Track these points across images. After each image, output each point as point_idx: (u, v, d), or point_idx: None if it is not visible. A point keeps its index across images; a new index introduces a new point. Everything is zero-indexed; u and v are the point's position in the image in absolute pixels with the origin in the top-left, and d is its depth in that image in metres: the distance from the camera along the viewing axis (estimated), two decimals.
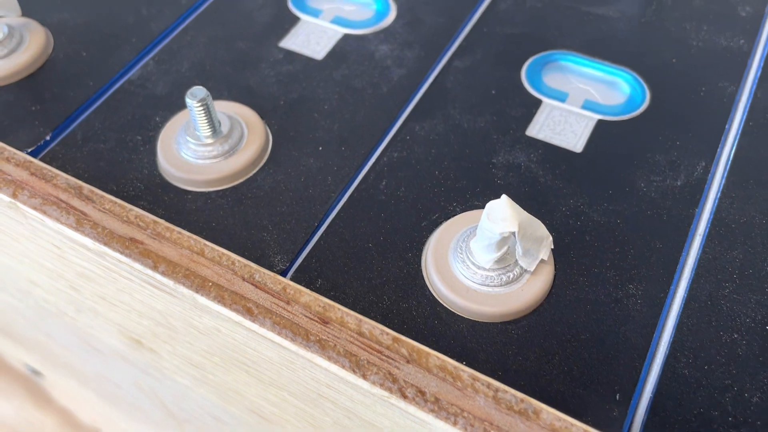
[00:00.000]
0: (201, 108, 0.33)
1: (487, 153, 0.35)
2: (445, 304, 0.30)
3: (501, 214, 0.27)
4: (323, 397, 0.29)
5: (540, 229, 0.29)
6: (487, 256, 0.29)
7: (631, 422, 0.27)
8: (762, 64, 0.39)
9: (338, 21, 0.42)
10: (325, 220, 0.33)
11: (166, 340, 0.35)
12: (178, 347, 0.35)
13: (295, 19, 0.42)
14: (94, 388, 0.55)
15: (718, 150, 0.35)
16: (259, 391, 0.34)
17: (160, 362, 0.39)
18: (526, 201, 0.33)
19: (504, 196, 0.27)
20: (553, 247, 0.30)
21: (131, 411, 0.54)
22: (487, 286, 0.29)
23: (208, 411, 0.42)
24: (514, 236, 0.28)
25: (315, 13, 0.42)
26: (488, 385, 0.25)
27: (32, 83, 0.39)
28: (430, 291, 0.30)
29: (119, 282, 0.32)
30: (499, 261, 0.29)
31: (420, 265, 0.31)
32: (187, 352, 0.35)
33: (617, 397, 0.27)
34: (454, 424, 0.24)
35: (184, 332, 0.33)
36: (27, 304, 0.45)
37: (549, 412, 0.24)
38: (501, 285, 0.29)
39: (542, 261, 0.30)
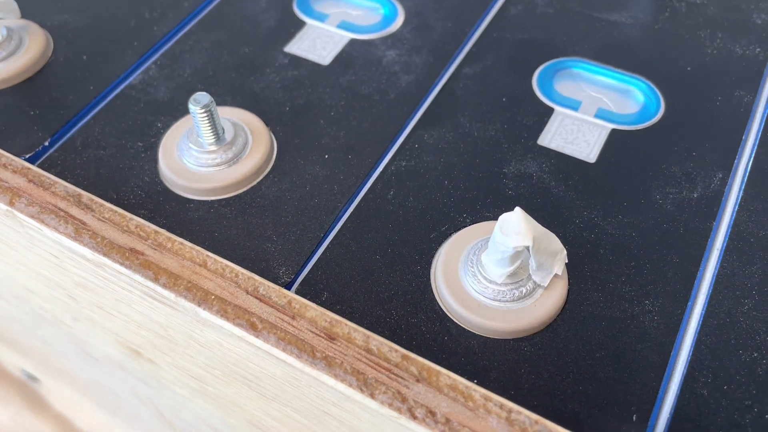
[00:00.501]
0: (204, 114, 0.32)
1: (498, 162, 0.34)
2: (455, 320, 0.29)
3: (515, 228, 0.26)
4: (328, 415, 0.28)
5: (554, 242, 0.28)
6: (500, 271, 0.28)
7: None
8: None
9: (345, 26, 0.41)
10: (331, 231, 0.32)
11: (165, 351, 0.34)
12: (178, 359, 0.34)
13: (300, 24, 0.41)
14: (91, 395, 0.54)
15: (735, 161, 0.34)
16: (261, 405, 0.33)
17: (159, 372, 0.38)
18: (538, 212, 0.32)
19: (518, 209, 0.26)
20: (567, 261, 0.29)
21: (128, 419, 0.54)
22: (499, 301, 0.28)
23: (207, 421, 0.41)
24: (528, 250, 0.27)
25: (321, 18, 0.42)
26: (501, 406, 0.24)
27: (31, 87, 0.38)
28: (439, 306, 0.29)
29: (118, 293, 0.31)
30: (511, 275, 0.28)
31: (429, 279, 0.30)
32: (187, 364, 0.34)
33: (634, 417, 0.26)
34: None
35: (185, 345, 0.32)
36: (23, 311, 0.45)
37: None
38: (513, 300, 0.28)
39: (556, 275, 0.29)
